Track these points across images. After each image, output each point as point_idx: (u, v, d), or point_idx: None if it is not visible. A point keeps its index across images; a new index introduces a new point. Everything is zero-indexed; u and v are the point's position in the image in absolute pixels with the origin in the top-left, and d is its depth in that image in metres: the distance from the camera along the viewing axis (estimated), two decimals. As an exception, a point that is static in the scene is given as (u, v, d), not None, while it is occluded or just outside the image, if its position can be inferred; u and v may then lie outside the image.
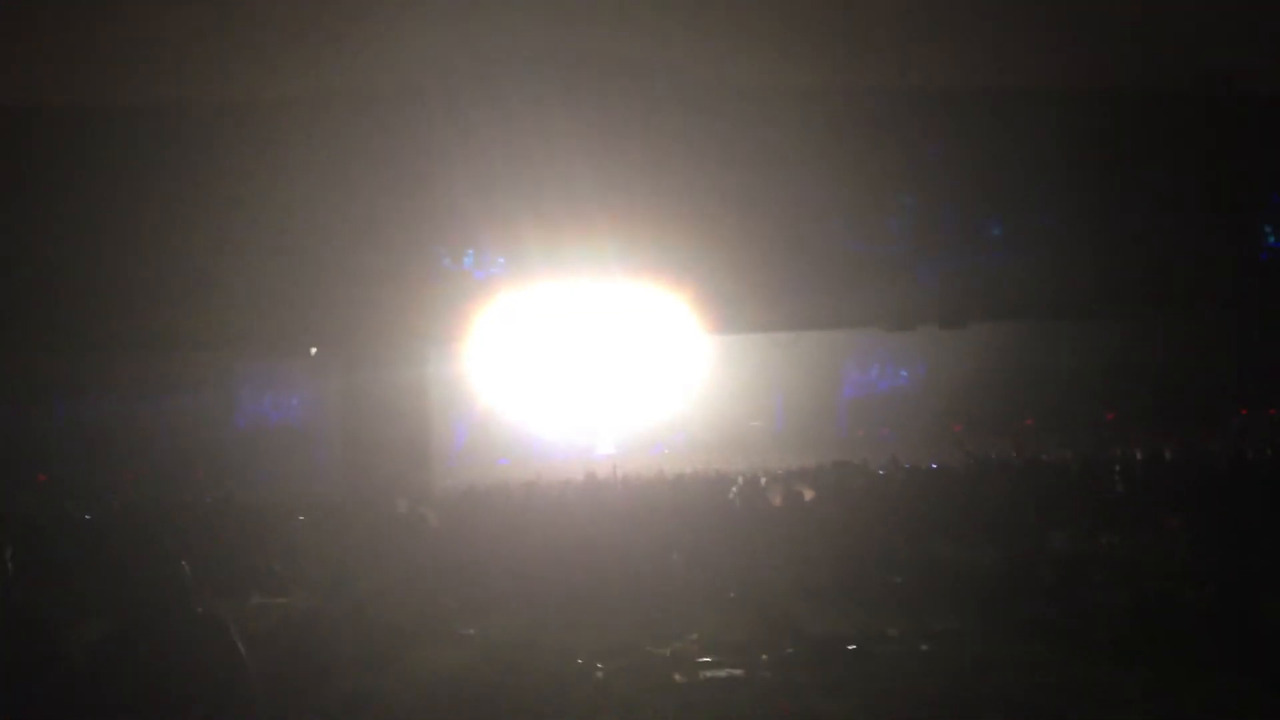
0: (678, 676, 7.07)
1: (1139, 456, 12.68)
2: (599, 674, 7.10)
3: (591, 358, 18.49)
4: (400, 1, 15.11)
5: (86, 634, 4.84)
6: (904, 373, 22.48)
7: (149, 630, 4.85)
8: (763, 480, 11.83)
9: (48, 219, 15.79)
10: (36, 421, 19.20)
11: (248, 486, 16.53)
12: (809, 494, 10.19)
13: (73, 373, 18.81)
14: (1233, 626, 7.11)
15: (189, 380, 20.02)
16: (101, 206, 15.92)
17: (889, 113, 17.12)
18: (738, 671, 7.10)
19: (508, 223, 16.55)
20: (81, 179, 15.80)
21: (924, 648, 7.46)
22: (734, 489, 11.61)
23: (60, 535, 10.12)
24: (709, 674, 7.11)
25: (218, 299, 15.90)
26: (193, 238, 15.91)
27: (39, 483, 17.49)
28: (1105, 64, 16.70)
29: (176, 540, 9.45)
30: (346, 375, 16.71)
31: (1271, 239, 17.61)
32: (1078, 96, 17.41)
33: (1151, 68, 16.54)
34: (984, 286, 17.12)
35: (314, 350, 17.60)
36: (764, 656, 7.31)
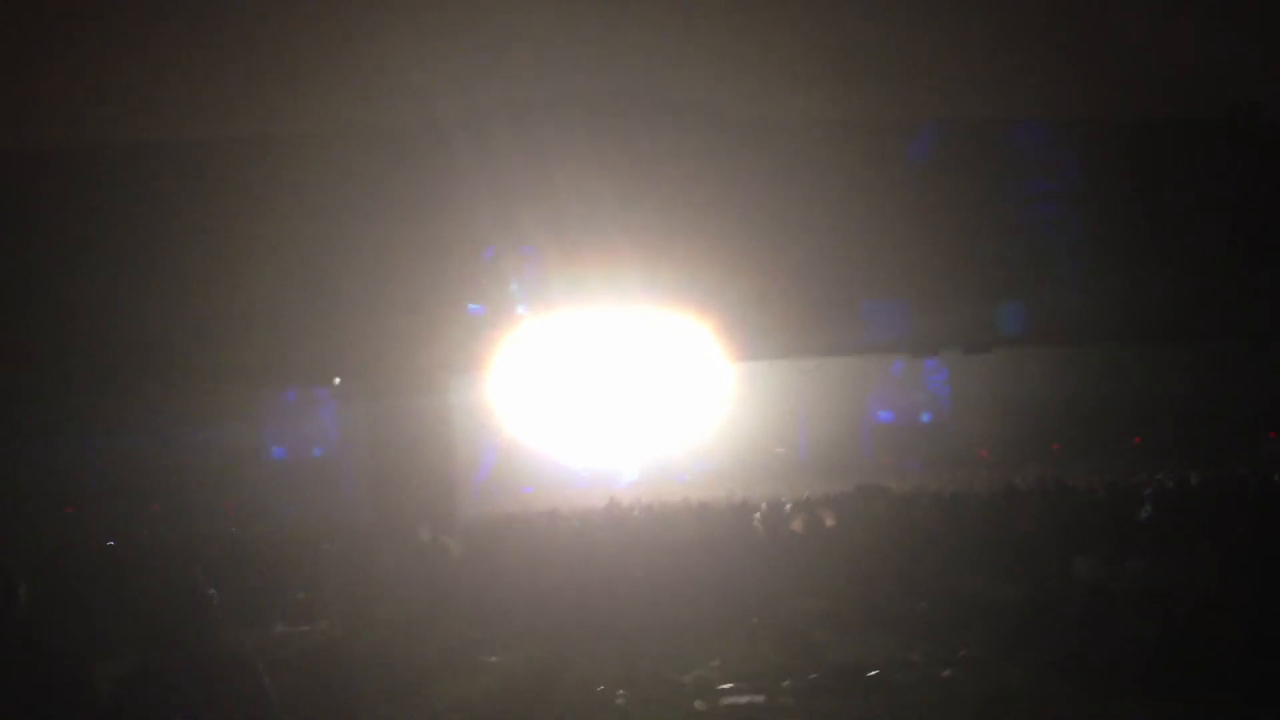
0: (699, 704, 7.05)
1: (1167, 482, 12.58)
2: (621, 702, 7.08)
3: (615, 387, 18.51)
4: (432, 39, 15.23)
5: (112, 668, 4.87)
6: (929, 399, 22.43)
7: (176, 663, 4.87)
8: (787, 507, 11.80)
9: (73, 256, 15.95)
10: (64, 454, 19.34)
11: (273, 516, 16.59)
12: (832, 520, 10.15)
13: (100, 405, 18.96)
14: (1265, 656, 7.03)
15: (214, 412, 20.15)
16: (127, 242, 16.08)
17: (916, 140, 17.14)
18: (759, 698, 7.07)
19: (532, 253, 16.63)
20: (102, 215, 15.96)
21: (947, 675, 7.40)
22: (757, 516, 11.58)
23: (88, 567, 10.18)
24: (731, 701, 7.08)
25: (242, 331, 16.00)
26: (218, 271, 16.04)
27: (66, 515, 17.61)
28: (1141, 94, 16.68)
29: (203, 571, 9.49)
30: (371, 405, 16.78)
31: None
32: (1108, 125, 17.39)
33: (1190, 98, 16.50)
34: (1010, 313, 17.06)
35: (338, 380, 17.69)
36: (786, 683, 7.28)
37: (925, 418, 22.16)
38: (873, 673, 7.35)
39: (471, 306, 17.31)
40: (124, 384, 17.94)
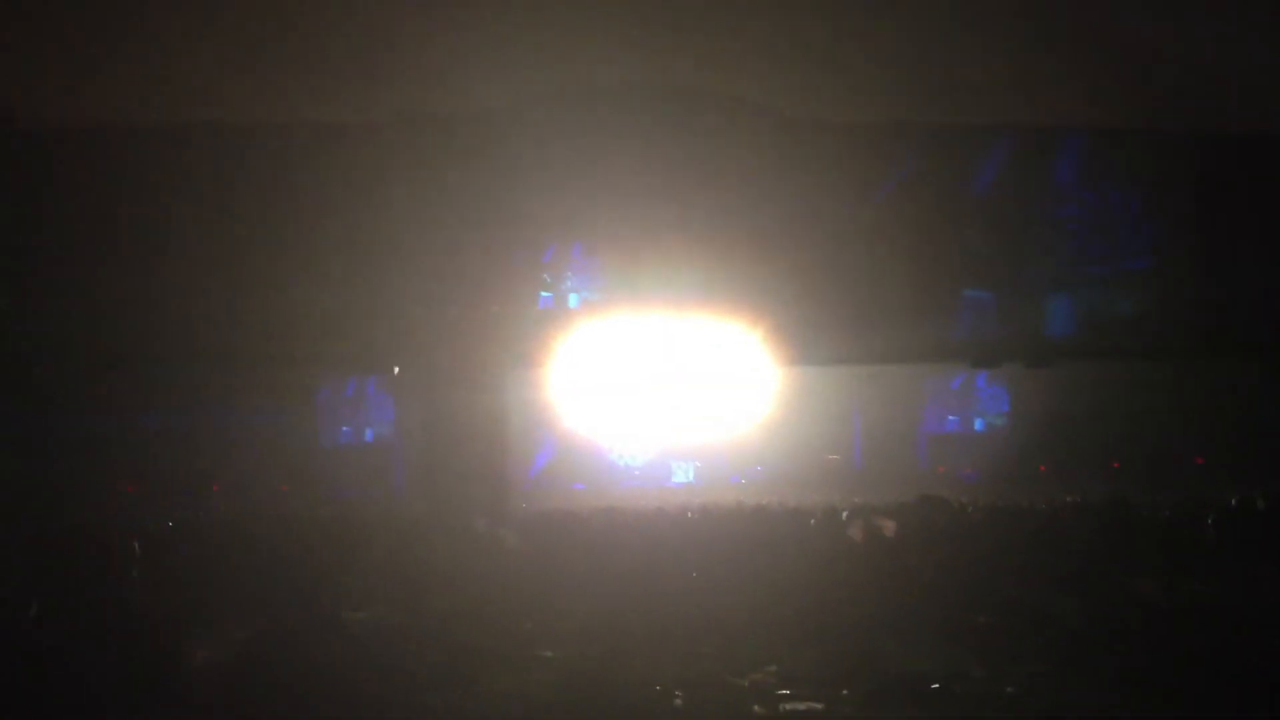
0: (757, 708, 6.98)
1: (1231, 500, 12.36)
2: (677, 702, 7.04)
3: (670, 387, 18.47)
4: (490, 31, 15.30)
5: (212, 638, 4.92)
6: (987, 410, 22.19)
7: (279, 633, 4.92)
8: (843, 514, 11.71)
9: (136, 237, 16.14)
10: (126, 434, 19.55)
11: (330, 502, 16.69)
12: (891, 528, 10.05)
13: (162, 386, 19.17)
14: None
15: (275, 397, 20.31)
16: (189, 226, 16.26)
17: (978, 148, 16.97)
18: (818, 705, 7.00)
19: (590, 251, 16.64)
20: (167, 199, 16.14)
21: (1009, 690, 7.30)
22: (813, 521, 11.50)
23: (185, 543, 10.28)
24: (788, 706, 7.01)
25: (305, 317, 16.13)
26: (281, 258, 16.17)
27: (127, 493, 17.80)
28: (1218, 106, 16.44)
29: (257, 554, 9.56)
30: (429, 395, 16.86)
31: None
32: (1183, 137, 17.17)
33: (1269, 111, 16.26)
34: (1072, 325, 16.88)
35: (397, 369, 17.79)
36: (844, 691, 7.20)
37: (983, 428, 21.93)
38: (934, 685, 7.26)
39: (532, 301, 17.37)
40: (189, 367, 18.16)
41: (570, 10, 14.96)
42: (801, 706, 6.97)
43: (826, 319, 16.64)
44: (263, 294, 16.06)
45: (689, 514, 12.66)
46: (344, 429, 21.70)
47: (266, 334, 16.05)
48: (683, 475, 21.01)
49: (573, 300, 17.41)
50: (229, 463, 19.44)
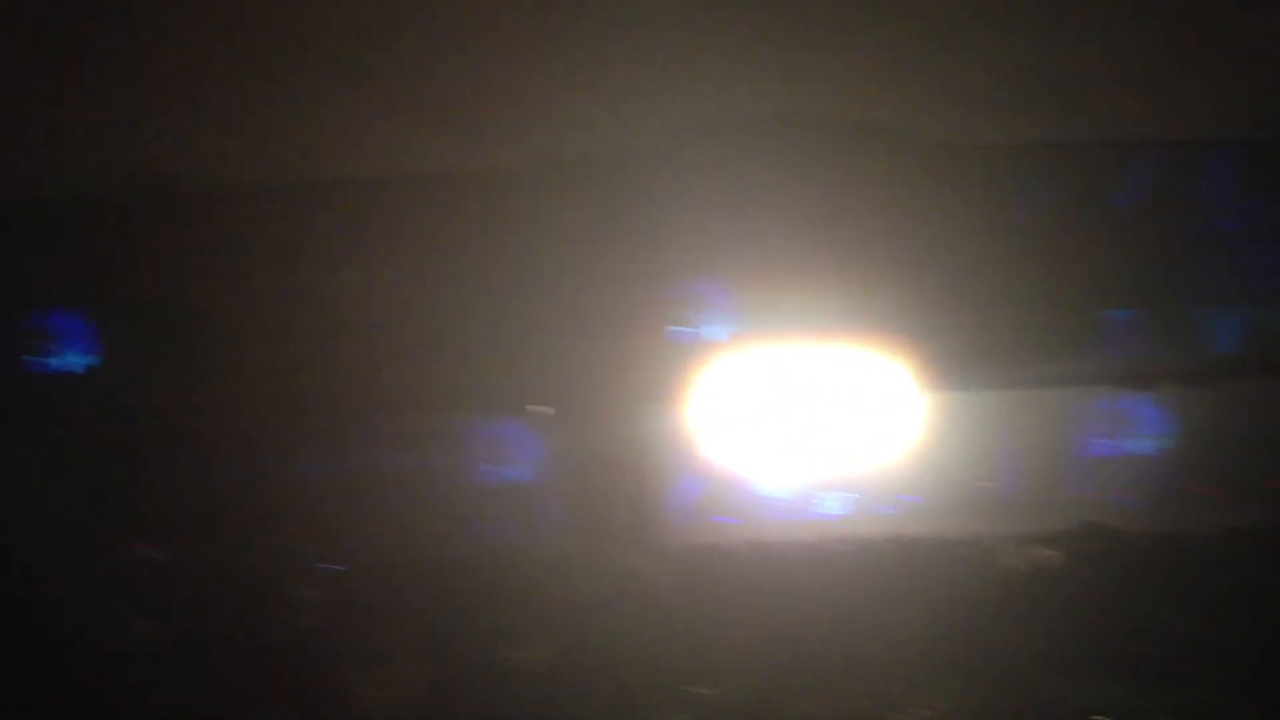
0: (915, 745, 6.90)
1: None
2: (833, 739, 6.98)
3: (818, 417, 18.32)
4: (630, 67, 15.48)
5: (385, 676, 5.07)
6: (1148, 432, 21.46)
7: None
8: (998, 543, 11.46)
9: (292, 289, 16.71)
10: (288, 477, 20.17)
11: (481, 541, 16.92)
12: (1049, 557, 9.82)
13: (317, 429, 19.75)
14: None
15: (424, 438, 20.75)
16: (339, 277, 16.77)
17: (1127, 162, 16.55)
18: (978, 742, 6.88)
19: (733, 282, 16.66)
20: (313, 253, 16.67)
21: (1179, 724, 7.07)
22: (967, 551, 11.28)
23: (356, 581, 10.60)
24: (948, 743, 6.90)
25: (452, 360, 16.49)
26: (426, 301, 16.57)
27: (289, 536, 18.33)
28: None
29: (416, 595, 9.78)
30: (575, 432, 17.05)
31: None
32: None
33: None
34: (1235, 342, 16.25)
35: (543, 408, 18.04)
36: (1006, 727, 7.06)
37: (1143, 451, 21.18)
38: (1096, 719, 7.07)
39: (674, 332, 17.44)
40: (339, 409, 18.69)
41: (699, 47, 15.10)
42: (961, 743, 6.86)
43: (975, 344, 16.33)
44: (411, 336, 16.45)
45: (839, 545, 12.52)
46: (492, 468, 21.97)
47: (413, 375, 16.42)
48: (832, 507, 20.72)
49: (718, 333, 17.42)
50: (382, 506, 19.86)
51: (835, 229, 16.56)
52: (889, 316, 16.33)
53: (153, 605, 7.66)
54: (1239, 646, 8.27)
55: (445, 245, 16.57)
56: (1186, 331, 16.53)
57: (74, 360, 16.91)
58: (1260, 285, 16.94)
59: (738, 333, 17.10)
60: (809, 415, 19.09)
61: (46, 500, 16.48)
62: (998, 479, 21.79)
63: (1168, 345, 16.50)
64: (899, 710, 7.48)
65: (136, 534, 17.28)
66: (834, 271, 16.44)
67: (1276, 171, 16.70)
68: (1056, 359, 16.37)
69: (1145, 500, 20.52)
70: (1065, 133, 17.31)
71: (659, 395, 17.06)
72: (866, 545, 12.68)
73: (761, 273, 16.61)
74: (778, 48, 15.95)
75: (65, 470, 17.10)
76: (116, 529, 17.11)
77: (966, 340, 16.22)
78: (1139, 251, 16.60)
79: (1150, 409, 22.32)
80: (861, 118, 17.42)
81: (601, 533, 15.45)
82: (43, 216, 16.45)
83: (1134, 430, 22.62)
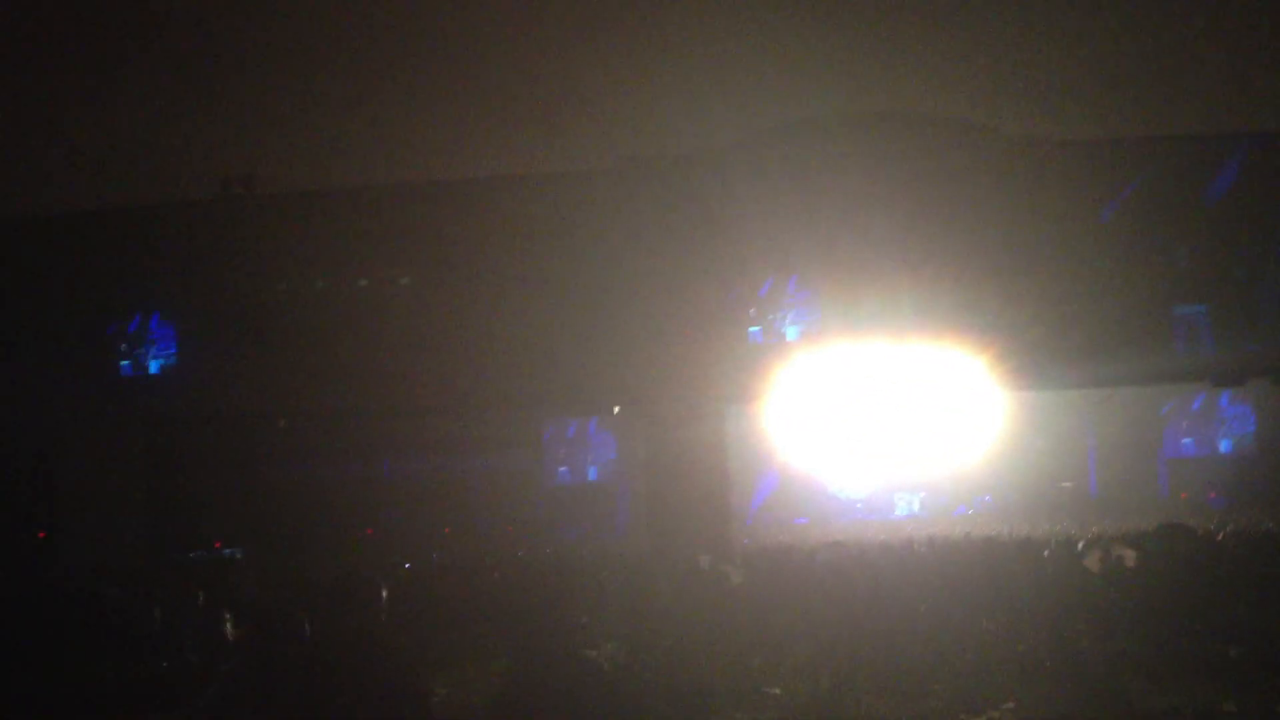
0: (993, 747, 6.79)
1: None
2: (909, 741, 6.89)
3: (894, 417, 18.16)
4: (704, 71, 15.51)
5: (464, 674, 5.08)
6: (1232, 431, 20.99)
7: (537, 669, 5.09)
8: (1080, 544, 11.25)
9: (362, 293, 16.90)
10: (365, 480, 20.44)
11: (555, 541, 17.02)
12: (1131, 558, 9.60)
13: (394, 434, 19.97)
14: None
15: (500, 440, 20.90)
16: (408, 280, 16.93)
17: (1210, 158, 16.18)
18: (1059, 745, 6.75)
19: (809, 282, 16.54)
20: (384, 256, 16.83)
21: (1266, 727, 6.88)
22: (1047, 552, 11.09)
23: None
24: (1027, 746, 6.78)
25: (527, 362, 16.57)
26: (503, 305, 16.67)
27: (367, 536, 18.61)
28: None
29: (492, 594, 9.82)
30: (650, 433, 17.03)
31: None
32: None
33: None
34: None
35: (617, 409, 18.04)
36: (1087, 730, 6.93)
37: (1227, 450, 20.73)
38: (1183, 722, 6.91)
39: (751, 335, 17.37)
40: (415, 412, 18.88)
41: (774, 48, 15.07)
42: (1041, 745, 6.74)
43: (1056, 342, 16.08)
44: (487, 341, 16.56)
45: (915, 546, 12.38)
46: (567, 469, 22.12)
47: (491, 379, 16.53)
48: (907, 507, 20.57)
49: (792, 333, 17.34)
50: (459, 506, 20.08)
51: (909, 226, 16.37)
52: (965, 314, 16.13)
53: (231, 602, 7.76)
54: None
55: (523, 247, 16.68)
56: (1275, 329, 16.12)
57: (153, 363, 17.28)
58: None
59: (810, 332, 16.99)
60: (885, 415, 18.90)
61: (126, 499, 16.83)
62: (1078, 478, 21.40)
63: (1254, 343, 16.11)
64: (974, 712, 7.36)
65: (214, 533, 17.58)
66: (912, 270, 16.27)
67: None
68: (1140, 356, 16.07)
69: (1228, 500, 20.03)
70: (1153, 127, 16.93)
71: (734, 396, 17.01)
72: (943, 545, 12.55)
73: (838, 272, 16.49)
74: (852, 47, 15.79)
75: (145, 470, 17.43)
76: (194, 528, 17.42)
77: (1047, 338, 15.97)
78: (1227, 248, 16.22)
79: (1235, 407, 21.75)
80: (942, 114, 17.19)
81: (676, 533, 15.45)
82: (121, 222, 16.82)
83: (1218, 429, 22.08)
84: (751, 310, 17.13)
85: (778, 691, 7.95)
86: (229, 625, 6.65)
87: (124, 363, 17.24)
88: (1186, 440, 21.51)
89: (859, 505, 20.73)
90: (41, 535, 16.88)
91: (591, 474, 22.31)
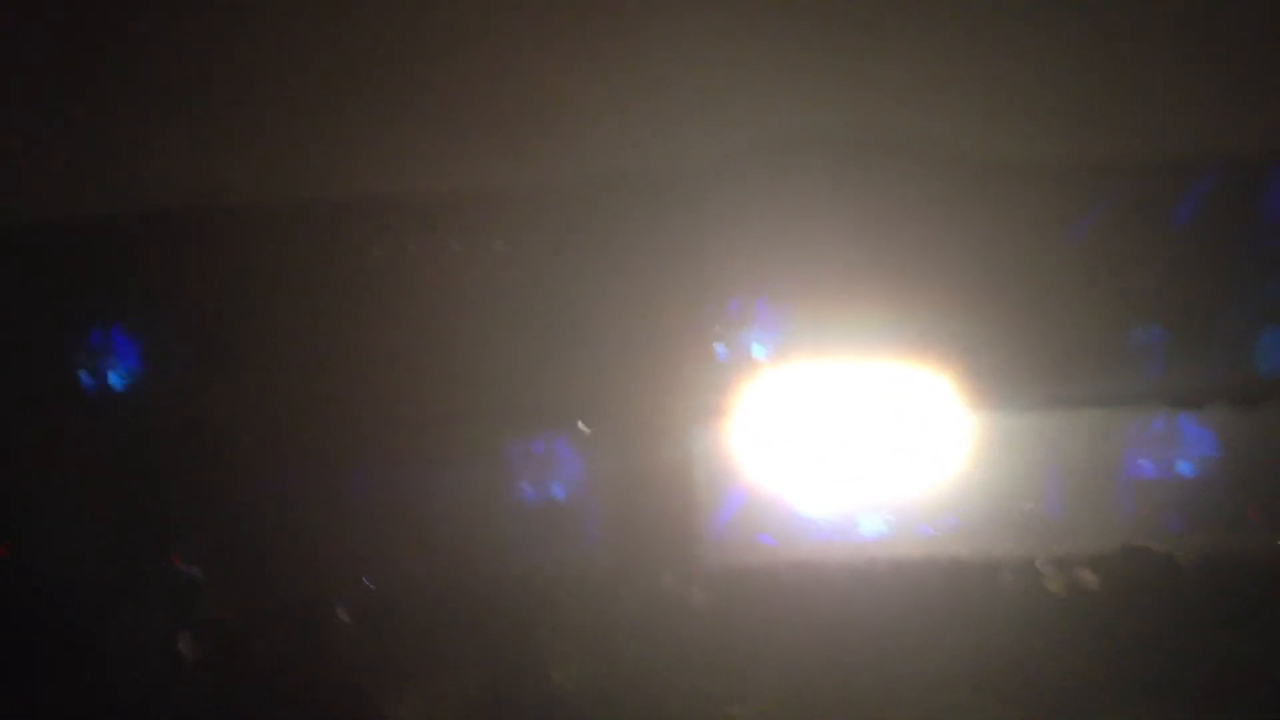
0: (955, 772, 6.79)
1: None
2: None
3: (858, 437, 18.22)
4: (677, 86, 15.55)
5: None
6: (1193, 454, 21.16)
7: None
8: (1041, 565, 11.33)
9: (326, 306, 16.85)
10: (328, 495, 20.28)
11: (515, 560, 16.92)
12: (1093, 580, 9.69)
13: (351, 447, 19.85)
14: None
15: (461, 454, 20.82)
16: (378, 294, 16.89)
17: (1175, 182, 16.35)
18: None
19: (776, 300, 16.61)
20: (356, 268, 16.78)
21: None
22: (1009, 574, 11.16)
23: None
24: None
25: (494, 376, 16.53)
26: (469, 318, 16.64)
27: (329, 551, 18.45)
28: None
29: (453, 614, 9.80)
30: (614, 450, 17.03)
31: None
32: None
33: None
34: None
35: (583, 425, 18.05)
36: (1049, 754, 6.95)
37: (1188, 473, 20.87)
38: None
39: (714, 350, 17.40)
40: (377, 427, 18.78)
41: (744, 64, 15.13)
42: (1003, 770, 6.75)
43: (1018, 362, 16.20)
44: (452, 357, 16.52)
45: (879, 567, 12.42)
46: (530, 486, 22.00)
47: (456, 395, 16.48)
48: (872, 527, 20.57)
49: (757, 350, 17.38)
50: (422, 522, 19.93)
51: (878, 245, 16.46)
52: (931, 334, 16.22)
53: (188, 623, 7.70)
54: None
55: (489, 263, 16.65)
56: (1235, 350, 16.30)
57: (116, 376, 17.14)
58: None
59: (778, 351, 17.02)
60: (850, 435, 18.98)
61: (85, 515, 16.68)
62: (1040, 500, 21.55)
63: (1216, 364, 16.28)
64: (936, 734, 7.39)
65: (174, 551, 17.45)
66: (875, 289, 16.35)
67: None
68: (1101, 378, 16.19)
69: (1191, 523, 20.21)
70: (1114, 149, 17.13)
71: (699, 414, 17.02)
72: (906, 567, 12.57)
73: (803, 290, 16.55)
74: (822, 63, 15.92)
75: (105, 485, 17.29)
76: (154, 545, 17.29)
77: (1009, 359, 16.07)
78: (1187, 268, 16.40)
79: (1197, 429, 22.01)
80: (906, 133, 17.34)
81: (639, 553, 15.42)
82: (85, 231, 16.68)
83: (1180, 451, 22.31)
84: (718, 327, 17.18)
85: (737, 713, 7.96)
86: (184, 644, 6.59)
87: (82, 373, 17.10)
88: (1147, 463, 21.63)
89: (825, 525, 20.69)
90: (2, 552, 16.68)
91: (556, 491, 22.23)
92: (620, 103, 16.75)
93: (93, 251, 16.46)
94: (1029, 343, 16.30)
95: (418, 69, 15.09)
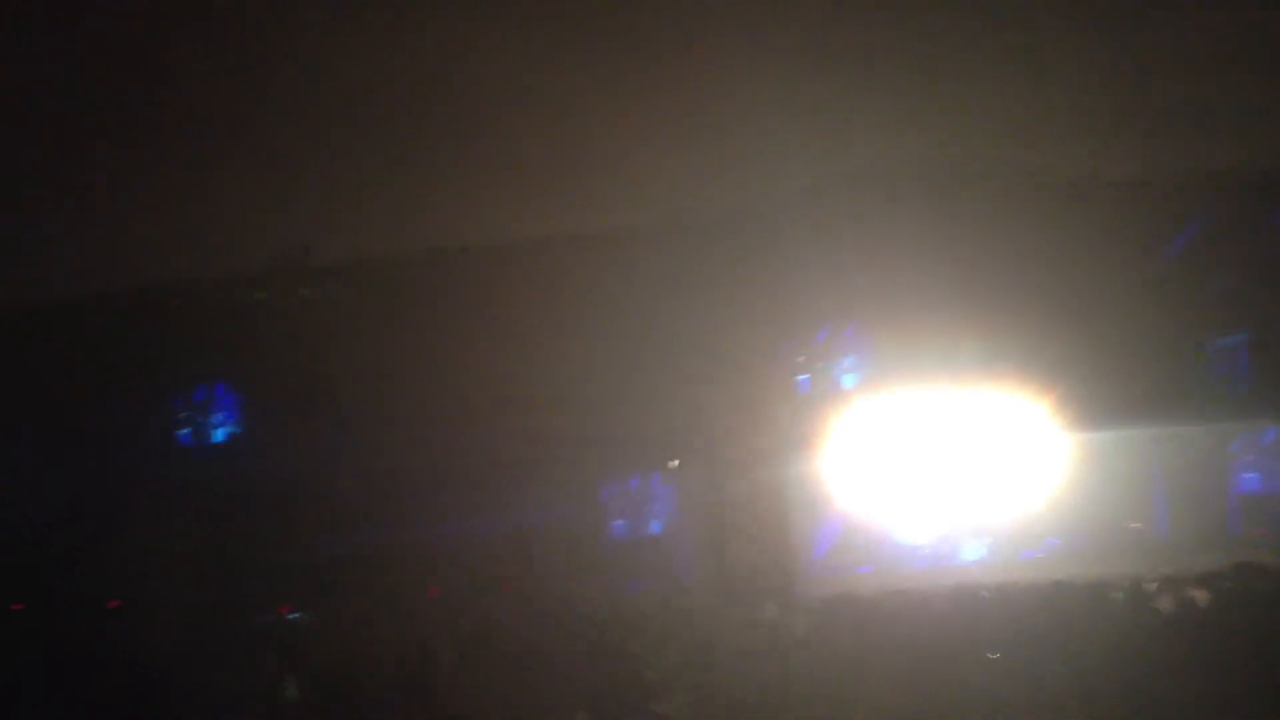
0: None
1: None
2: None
3: (957, 461, 17.96)
4: (757, 124, 15.60)
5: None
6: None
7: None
8: (1151, 586, 11.05)
9: (426, 356, 17.09)
10: (428, 541, 20.49)
11: (618, 596, 16.93)
12: (1204, 599, 9.43)
13: (450, 493, 20.02)
14: None
15: (558, 495, 20.89)
16: (467, 339, 17.11)
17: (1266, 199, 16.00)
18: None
19: (866, 330, 16.50)
20: (432, 317, 17.03)
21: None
22: (1118, 595, 10.90)
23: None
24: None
25: (587, 419, 16.63)
26: (563, 361, 16.79)
27: (429, 597, 18.63)
28: None
29: (560, 649, 9.83)
30: (710, 485, 16.99)
31: None
32: None
33: None
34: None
35: (676, 462, 18.04)
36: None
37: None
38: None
39: (809, 382, 17.34)
40: (477, 469, 18.96)
41: (823, 102, 15.10)
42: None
43: (1121, 382, 15.91)
44: (547, 398, 16.66)
45: (982, 593, 12.22)
46: (628, 523, 22.05)
47: (550, 438, 16.60)
48: (973, 553, 20.28)
49: (849, 380, 17.31)
50: (520, 563, 20.05)
51: (971, 271, 16.27)
52: (1030, 358, 15.99)
53: (299, 666, 7.84)
54: None
55: (580, 305, 16.80)
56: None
57: (219, 432, 17.57)
58: None
59: (874, 380, 16.90)
60: (947, 461, 18.72)
61: (194, 564, 17.03)
62: (1147, 519, 21.05)
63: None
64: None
65: (283, 596, 17.70)
66: (972, 314, 16.17)
67: None
68: (1205, 394, 15.82)
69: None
70: (1207, 163, 16.74)
71: (796, 445, 16.93)
72: (1011, 591, 12.35)
73: (897, 318, 16.44)
74: (902, 100, 15.79)
75: (212, 536, 17.64)
76: (263, 592, 17.56)
77: (1111, 379, 15.77)
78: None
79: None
80: (993, 161, 17.16)
81: (739, 584, 15.37)
82: (185, 296, 17.14)
83: (1292, 464, 21.55)
84: (806, 358, 17.11)
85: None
86: (293, 691, 6.70)
87: (184, 432, 17.55)
88: (1260, 476, 21.04)
89: (924, 552, 20.46)
90: (113, 605, 17.09)
91: (654, 527, 22.23)
92: (701, 149, 16.70)
93: (188, 314, 16.81)
94: (1130, 362, 15.94)
95: (504, 124, 15.14)
